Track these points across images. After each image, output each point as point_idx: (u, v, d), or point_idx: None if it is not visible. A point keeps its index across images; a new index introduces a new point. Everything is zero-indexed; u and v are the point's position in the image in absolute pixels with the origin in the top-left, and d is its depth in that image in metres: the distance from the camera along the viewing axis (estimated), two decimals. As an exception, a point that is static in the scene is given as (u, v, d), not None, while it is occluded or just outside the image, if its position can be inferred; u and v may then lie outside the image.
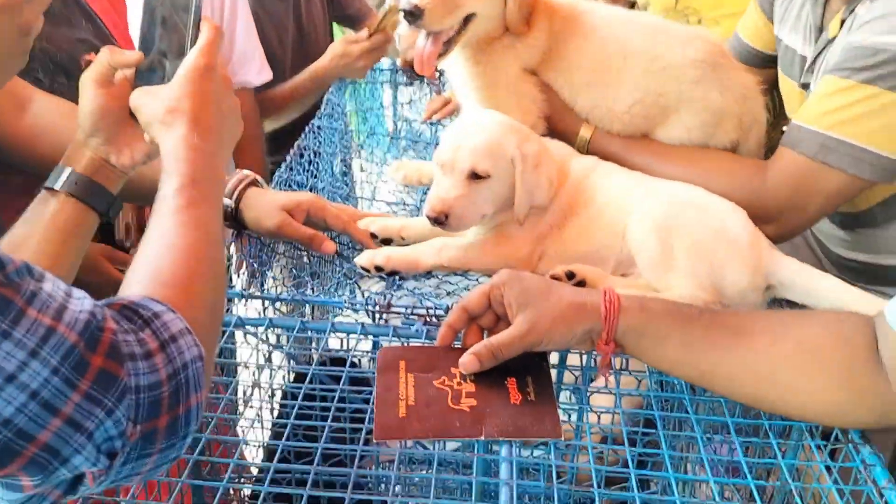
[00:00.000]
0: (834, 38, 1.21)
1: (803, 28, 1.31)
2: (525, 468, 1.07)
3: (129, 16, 1.37)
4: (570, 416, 0.99)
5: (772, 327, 0.86)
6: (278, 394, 1.11)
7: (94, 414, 0.58)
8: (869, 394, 0.82)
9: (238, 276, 1.24)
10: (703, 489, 0.88)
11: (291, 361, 1.13)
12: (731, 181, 1.20)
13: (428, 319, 1.03)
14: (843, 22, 1.19)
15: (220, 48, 0.90)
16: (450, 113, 1.78)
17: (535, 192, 1.14)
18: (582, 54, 1.31)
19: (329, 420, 0.88)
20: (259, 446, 1.11)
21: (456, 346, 0.94)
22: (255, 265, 1.26)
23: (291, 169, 1.45)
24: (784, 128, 1.24)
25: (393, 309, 1.05)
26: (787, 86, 1.36)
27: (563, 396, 1.13)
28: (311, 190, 1.46)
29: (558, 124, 1.34)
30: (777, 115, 1.44)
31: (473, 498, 0.82)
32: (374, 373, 0.92)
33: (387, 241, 1.24)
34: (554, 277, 1.07)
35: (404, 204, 1.51)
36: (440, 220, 1.11)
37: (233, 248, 1.27)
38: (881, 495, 0.78)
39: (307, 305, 1.18)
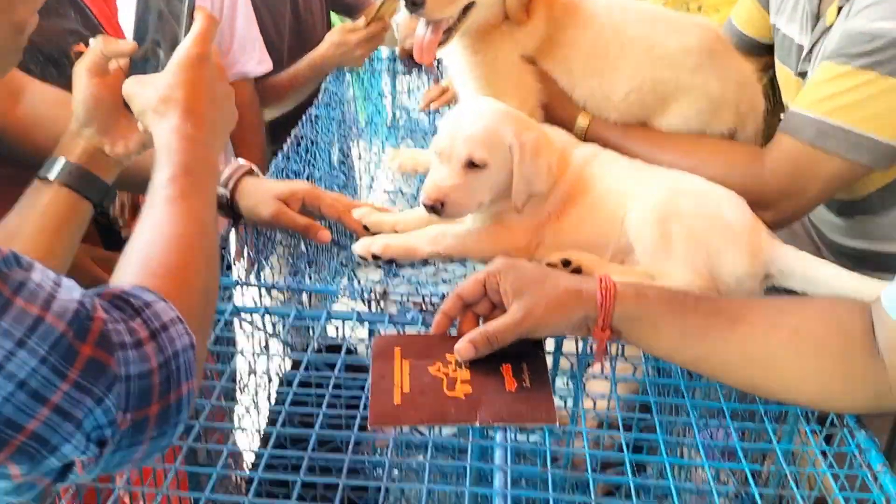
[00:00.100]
0: (831, 26, 1.20)
1: (800, 17, 1.30)
2: (521, 453, 1.07)
3: (120, 5, 1.37)
4: (566, 401, 0.99)
5: (768, 314, 0.86)
6: (276, 381, 1.11)
7: (82, 403, 0.58)
8: (864, 379, 0.82)
9: (237, 264, 1.24)
10: (700, 473, 0.88)
11: (287, 349, 1.13)
12: (729, 168, 1.20)
13: (424, 307, 1.03)
14: (839, 9, 1.18)
15: (215, 37, 0.90)
16: (447, 101, 1.78)
17: (534, 181, 1.13)
18: (580, 42, 1.30)
19: (324, 407, 0.88)
20: (254, 433, 1.11)
21: (451, 334, 0.94)
22: (252, 254, 1.25)
23: (289, 158, 1.45)
24: (781, 115, 1.24)
25: (389, 297, 1.05)
26: (784, 75, 1.36)
27: (560, 382, 1.13)
28: (307, 179, 1.46)
29: (556, 112, 1.34)
30: (775, 103, 1.43)
31: (468, 483, 0.82)
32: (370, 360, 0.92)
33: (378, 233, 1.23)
34: (550, 265, 1.07)
35: (401, 192, 1.51)
36: (436, 209, 1.11)
37: (232, 237, 1.27)
38: (876, 479, 0.78)
39: (305, 293, 1.18)
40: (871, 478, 0.78)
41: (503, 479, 0.79)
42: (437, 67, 1.95)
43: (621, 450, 0.84)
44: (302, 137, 1.53)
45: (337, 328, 1.05)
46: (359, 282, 1.19)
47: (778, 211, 1.18)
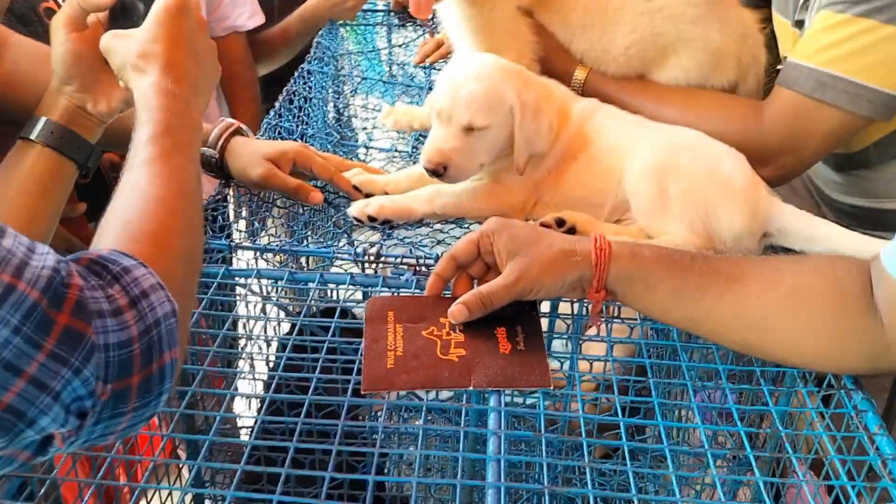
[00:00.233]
0: None
1: None
2: (518, 416, 1.07)
3: None
4: (562, 364, 0.98)
5: (764, 273, 0.85)
6: (274, 345, 1.10)
7: (59, 374, 0.56)
8: (861, 338, 0.80)
9: (235, 225, 1.23)
10: (698, 435, 0.87)
11: (282, 313, 1.12)
12: (727, 122, 1.18)
13: (417, 269, 1.01)
14: None
15: None
16: (443, 56, 1.74)
17: (535, 140, 1.11)
18: None
19: (318, 371, 0.88)
20: (250, 399, 1.11)
21: (445, 296, 0.93)
22: (247, 215, 1.24)
23: (280, 115, 1.42)
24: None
25: (383, 259, 1.04)
26: (781, 24, 1.32)
27: (558, 344, 1.12)
28: (301, 137, 1.43)
29: (553, 66, 1.31)
30: (776, 56, 1.40)
31: (461, 448, 0.81)
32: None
33: (370, 194, 1.21)
34: (544, 225, 1.05)
35: (397, 150, 1.48)
36: (438, 172, 1.09)
37: (230, 198, 1.25)
38: (872, 441, 0.77)
39: (303, 256, 1.17)
40: (867, 440, 0.78)
41: (497, 444, 0.78)
42: (432, 20, 1.91)
43: (620, 413, 0.84)
44: (294, 94, 1.50)
45: (330, 290, 1.04)
46: (351, 244, 1.18)
47: (777, 166, 1.16)
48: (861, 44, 1.07)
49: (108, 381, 0.58)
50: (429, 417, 1.23)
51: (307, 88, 1.56)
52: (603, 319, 0.94)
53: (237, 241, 1.12)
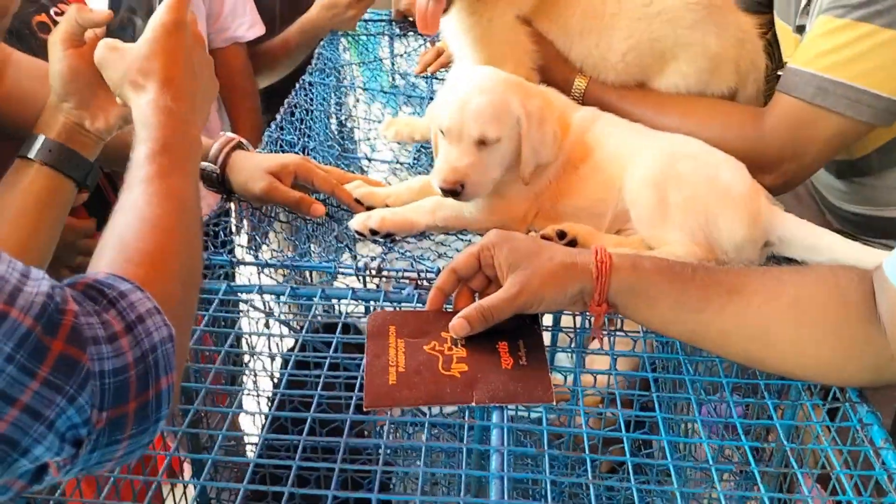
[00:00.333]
0: None
1: None
2: (522, 431, 1.07)
3: None
4: (565, 377, 0.98)
5: (766, 284, 0.84)
6: (277, 361, 1.10)
7: (54, 402, 0.55)
8: (864, 349, 0.80)
9: (237, 240, 1.23)
10: (703, 450, 0.87)
11: (285, 328, 1.12)
12: (728, 130, 1.17)
13: (419, 283, 1.01)
14: None
15: (191, 4, 0.86)
16: (443, 65, 1.74)
17: (541, 150, 1.11)
18: (575, 0, 1.27)
19: (319, 388, 0.87)
20: (254, 415, 1.11)
21: (447, 310, 0.92)
22: (249, 230, 1.24)
23: (282, 128, 1.42)
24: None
25: (384, 273, 1.03)
26: (783, 30, 1.31)
27: (562, 357, 1.12)
28: (302, 150, 1.43)
29: (552, 74, 1.31)
30: (777, 62, 1.39)
31: (463, 466, 0.81)
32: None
33: (371, 207, 1.21)
34: (545, 237, 1.04)
35: (398, 162, 1.48)
36: (456, 191, 1.08)
37: (231, 214, 1.25)
38: (878, 455, 0.77)
39: (306, 271, 1.16)
40: (873, 454, 0.77)
41: (500, 461, 0.78)
42: (435, 32, 1.90)
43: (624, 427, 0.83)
44: (296, 106, 1.50)
45: (334, 305, 1.04)
46: (354, 257, 1.17)
47: (779, 174, 1.15)
48: (861, 48, 1.07)
49: (104, 408, 0.58)
50: (434, 432, 1.22)
51: (308, 100, 1.55)
52: (606, 333, 0.94)
53: (239, 256, 1.12)
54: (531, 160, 1.10)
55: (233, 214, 1.25)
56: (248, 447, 1.32)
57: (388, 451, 1.21)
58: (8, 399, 0.54)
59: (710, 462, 0.78)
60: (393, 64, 1.97)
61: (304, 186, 1.21)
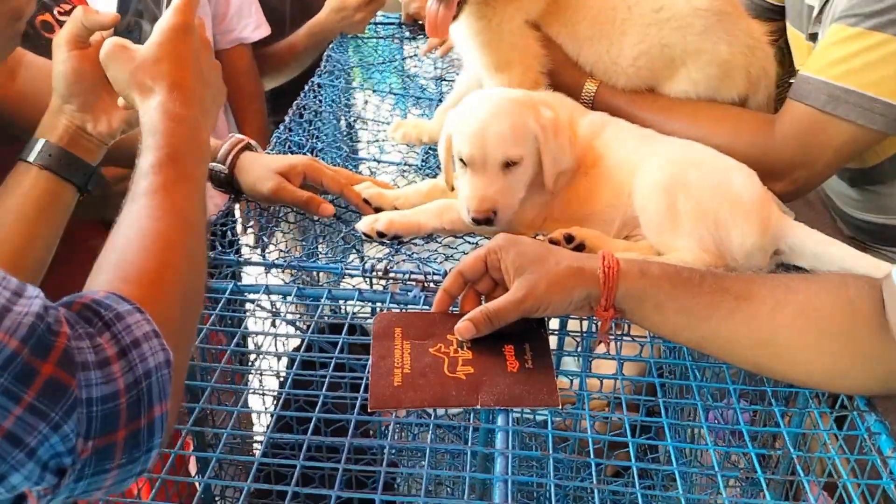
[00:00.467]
0: None
1: None
2: (527, 434, 1.06)
3: None
4: (571, 381, 0.97)
5: (775, 291, 0.84)
6: (285, 361, 1.10)
7: (37, 429, 0.52)
8: (873, 358, 0.79)
9: (242, 240, 1.23)
10: (713, 454, 0.86)
11: (291, 328, 1.12)
12: (738, 137, 1.17)
13: (426, 285, 1.01)
14: None
15: (198, 7, 0.86)
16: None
17: (561, 159, 1.11)
18: (585, 5, 1.27)
19: (324, 388, 0.87)
20: (260, 414, 1.11)
21: (453, 312, 0.92)
22: (256, 231, 1.24)
23: (290, 130, 1.43)
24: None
25: (391, 274, 1.03)
26: (795, 38, 1.31)
27: (568, 361, 1.11)
28: (310, 151, 1.43)
29: (562, 79, 1.30)
30: (787, 68, 1.39)
31: (467, 468, 0.81)
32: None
33: (379, 208, 1.21)
34: (552, 241, 1.04)
35: (407, 164, 1.48)
36: (489, 220, 1.08)
37: (237, 214, 1.25)
38: (885, 464, 0.76)
39: (315, 272, 1.16)
40: (880, 463, 0.76)
41: (504, 464, 0.77)
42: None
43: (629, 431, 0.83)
44: (304, 108, 1.50)
45: (340, 306, 1.04)
46: (361, 259, 1.17)
47: (789, 181, 1.14)
48: (874, 57, 1.06)
49: (90, 437, 0.55)
50: (439, 433, 1.22)
51: (317, 102, 1.56)
52: (612, 337, 0.93)
53: (245, 256, 1.12)
54: (552, 170, 1.10)
55: (238, 215, 1.26)
56: (255, 445, 1.32)
57: (393, 452, 1.21)
58: None
59: (716, 468, 0.78)
60: (402, 66, 1.97)
61: (313, 187, 1.21)
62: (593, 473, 0.79)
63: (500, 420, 0.82)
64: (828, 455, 0.82)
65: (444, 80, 1.76)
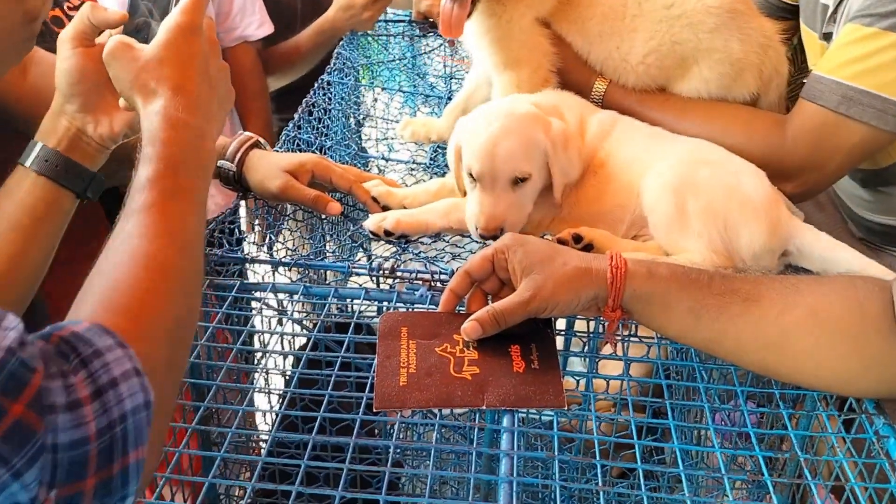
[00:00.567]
0: None
1: None
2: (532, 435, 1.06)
3: None
4: (577, 382, 0.97)
5: (783, 293, 0.83)
6: (290, 359, 1.10)
7: None
8: (882, 361, 0.79)
9: (248, 238, 1.23)
10: (719, 456, 0.86)
11: (298, 326, 1.12)
12: (750, 137, 1.16)
13: (432, 284, 1.01)
14: None
15: (207, 7, 0.82)
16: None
17: (569, 171, 1.11)
18: (596, 1, 1.26)
19: (330, 387, 0.87)
20: (265, 413, 1.11)
21: (460, 312, 0.92)
22: (263, 228, 1.24)
23: (300, 127, 1.43)
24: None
25: (398, 273, 1.03)
26: (809, 37, 1.30)
27: (575, 361, 1.11)
28: (319, 149, 1.43)
29: (571, 77, 1.30)
30: (799, 68, 1.38)
31: (472, 468, 0.80)
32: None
33: (387, 207, 1.21)
34: (560, 241, 1.04)
35: (415, 162, 1.48)
36: (496, 236, 1.08)
37: (242, 211, 1.26)
38: (894, 468, 0.75)
39: (323, 270, 1.16)
40: (889, 467, 0.76)
41: (509, 465, 0.77)
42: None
43: (635, 432, 0.83)
44: (314, 105, 1.50)
45: (347, 305, 1.04)
46: (369, 257, 1.18)
47: (800, 182, 1.14)
48: (888, 58, 1.05)
49: (54, 485, 0.50)
50: (444, 433, 1.22)
51: (327, 100, 1.56)
52: (619, 338, 0.93)
53: (251, 254, 1.12)
54: (560, 182, 1.10)
55: (242, 212, 1.26)
56: (258, 444, 1.32)
57: (398, 452, 1.21)
58: None
59: (723, 470, 0.77)
60: (412, 64, 1.97)
61: (322, 185, 1.21)
62: (599, 475, 0.79)
63: (505, 421, 0.82)
64: (835, 458, 0.81)
65: (454, 77, 1.75)
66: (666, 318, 0.85)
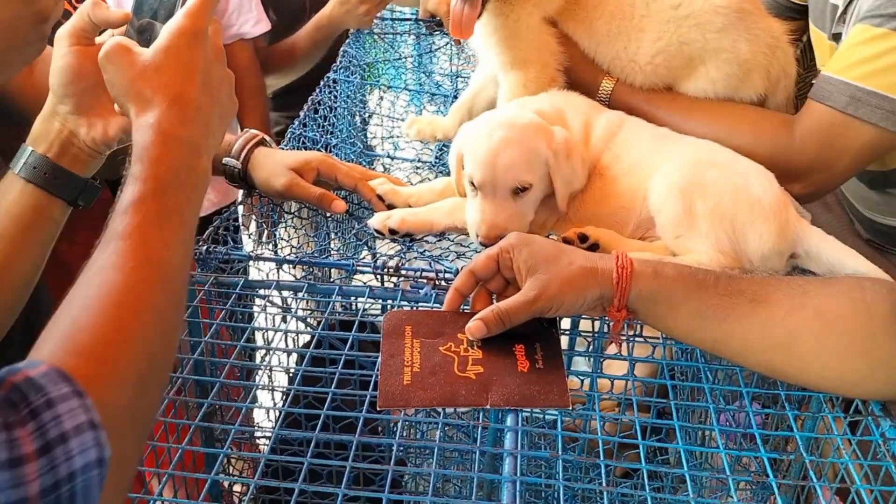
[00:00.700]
0: None
1: None
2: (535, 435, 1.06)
3: None
4: (582, 382, 0.97)
5: (790, 294, 0.82)
6: (295, 357, 1.10)
7: None
8: (890, 363, 0.78)
9: (249, 236, 1.23)
10: (724, 457, 0.86)
11: (302, 324, 1.12)
12: (757, 137, 1.15)
13: (437, 283, 1.01)
14: None
15: (213, 11, 0.75)
16: None
17: (573, 180, 1.11)
18: (603, 1, 1.26)
19: (333, 385, 0.87)
20: (268, 410, 1.11)
21: (464, 311, 0.92)
22: (266, 226, 1.24)
23: (305, 125, 1.42)
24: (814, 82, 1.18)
25: (402, 272, 1.03)
26: (818, 38, 1.29)
27: (579, 361, 1.11)
28: (325, 147, 1.43)
29: (578, 76, 1.30)
30: (807, 68, 1.37)
31: (476, 467, 0.80)
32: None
33: (392, 205, 1.21)
34: (566, 240, 1.03)
35: (420, 161, 1.48)
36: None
37: (241, 208, 1.26)
38: (900, 472, 0.75)
39: (327, 268, 1.16)
40: (894, 469, 0.75)
41: (513, 465, 0.77)
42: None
43: (639, 432, 0.82)
44: (319, 103, 1.50)
45: (351, 303, 1.04)
46: (373, 255, 1.17)
47: (808, 183, 1.13)
48: None
49: None
50: (448, 431, 1.22)
51: (332, 98, 1.56)
52: (624, 338, 0.93)
53: (254, 251, 1.12)
54: (564, 191, 1.10)
55: (240, 210, 1.26)
56: (262, 441, 1.33)
57: (401, 450, 1.21)
58: None
59: (727, 471, 0.77)
60: (419, 63, 1.97)
61: (327, 183, 1.21)
62: (602, 475, 0.78)
63: (509, 420, 0.82)
64: (841, 460, 0.80)
65: (460, 76, 1.75)
66: (672, 318, 0.85)
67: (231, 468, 1.13)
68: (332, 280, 1.31)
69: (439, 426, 0.86)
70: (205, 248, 1.06)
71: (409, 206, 1.19)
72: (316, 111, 1.48)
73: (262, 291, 1.05)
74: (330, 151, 1.43)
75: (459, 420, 1.10)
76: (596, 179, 1.14)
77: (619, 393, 0.94)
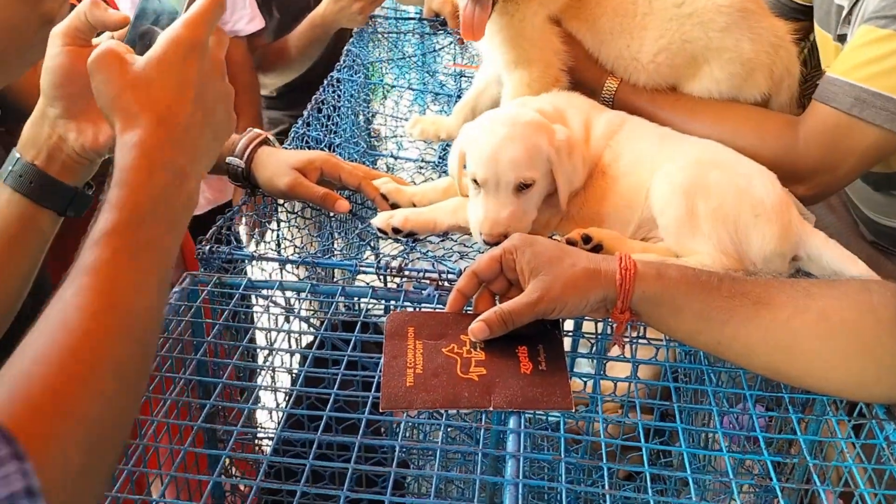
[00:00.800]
0: None
1: None
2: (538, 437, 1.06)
3: None
4: (585, 383, 0.97)
5: (794, 296, 0.82)
6: (297, 357, 1.10)
7: None
8: (894, 366, 0.78)
9: (251, 237, 1.23)
10: (727, 460, 0.86)
11: (305, 325, 1.12)
12: (761, 138, 1.15)
13: (440, 284, 1.00)
14: None
15: (217, 20, 0.70)
16: None
17: (574, 178, 1.11)
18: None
19: (336, 386, 0.87)
20: (271, 411, 1.11)
21: (467, 312, 0.92)
22: (267, 225, 1.24)
23: (309, 124, 1.42)
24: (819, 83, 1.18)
25: (405, 272, 1.03)
26: (823, 39, 1.29)
27: (582, 363, 1.10)
28: (328, 147, 1.43)
29: (582, 75, 1.29)
30: (812, 69, 1.36)
31: (478, 469, 0.80)
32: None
33: (395, 204, 1.21)
34: (569, 242, 1.03)
35: (424, 160, 1.48)
36: (499, 243, 1.08)
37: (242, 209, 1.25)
38: (905, 476, 0.75)
39: (330, 268, 1.16)
40: (900, 473, 0.75)
41: (516, 467, 0.77)
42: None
43: (642, 435, 0.82)
44: (323, 102, 1.50)
45: (354, 303, 1.03)
46: (377, 255, 1.17)
47: (812, 185, 1.13)
48: None
49: None
50: (450, 433, 1.22)
51: (336, 97, 1.56)
52: (627, 340, 0.92)
53: (255, 251, 1.12)
54: (566, 189, 1.10)
55: (246, 213, 1.26)
56: (266, 442, 1.33)
57: (403, 451, 1.21)
58: None
59: (730, 474, 0.76)
60: (422, 62, 1.96)
61: (330, 183, 1.21)
62: (605, 477, 0.78)
63: (512, 422, 0.81)
64: (845, 464, 0.80)
65: (464, 75, 1.75)
66: (675, 320, 0.85)
67: (234, 469, 1.13)
68: (335, 280, 1.31)
69: (442, 428, 0.86)
70: (208, 247, 1.06)
71: (414, 205, 1.19)
72: (319, 110, 1.47)
73: (265, 292, 1.04)
74: (334, 151, 1.43)
75: (462, 422, 1.10)
76: (598, 178, 1.14)
77: (623, 395, 0.94)
